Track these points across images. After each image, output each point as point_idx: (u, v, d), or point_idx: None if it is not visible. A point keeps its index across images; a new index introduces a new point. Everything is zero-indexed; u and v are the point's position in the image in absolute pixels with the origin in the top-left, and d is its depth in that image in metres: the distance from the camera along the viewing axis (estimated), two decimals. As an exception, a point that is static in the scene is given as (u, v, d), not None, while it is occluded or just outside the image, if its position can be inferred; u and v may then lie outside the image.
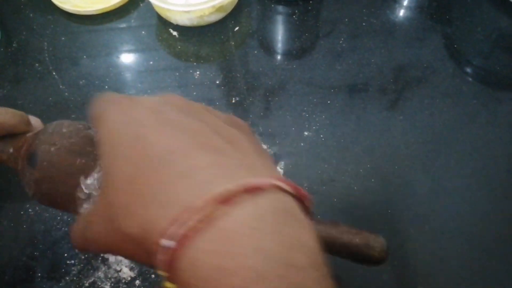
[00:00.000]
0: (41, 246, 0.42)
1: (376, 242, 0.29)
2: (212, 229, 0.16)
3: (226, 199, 0.16)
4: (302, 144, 0.47)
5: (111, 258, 0.41)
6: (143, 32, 0.57)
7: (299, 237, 0.17)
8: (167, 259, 0.16)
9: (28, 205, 0.44)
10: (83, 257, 0.41)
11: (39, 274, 0.40)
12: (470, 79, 0.52)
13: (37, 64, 0.55)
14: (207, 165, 0.18)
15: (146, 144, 0.18)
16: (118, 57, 0.56)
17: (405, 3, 0.59)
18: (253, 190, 0.17)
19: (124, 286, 0.40)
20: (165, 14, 0.55)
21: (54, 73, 0.54)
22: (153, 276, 0.40)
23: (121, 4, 0.59)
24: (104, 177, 0.20)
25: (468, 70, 0.53)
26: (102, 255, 0.41)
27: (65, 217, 0.43)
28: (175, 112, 0.20)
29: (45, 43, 0.57)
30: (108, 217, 0.19)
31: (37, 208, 0.44)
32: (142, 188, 0.18)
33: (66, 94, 0.52)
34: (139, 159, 0.18)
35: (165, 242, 0.16)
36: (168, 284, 0.17)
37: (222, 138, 0.19)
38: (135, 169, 0.18)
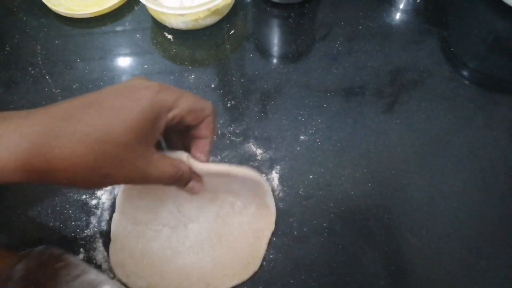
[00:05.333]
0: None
1: None
2: None
3: None
4: (298, 148, 0.47)
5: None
6: (137, 36, 0.57)
7: None
8: None
9: (19, 211, 0.43)
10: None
11: (31, 282, 0.40)
12: (467, 82, 0.52)
13: (30, 68, 0.54)
14: None
15: None
16: (112, 61, 0.55)
17: (401, 6, 0.59)
18: None
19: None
20: (159, 17, 0.55)
21: (47, 77, 0.53)
22: None
23: (116, 7, 0.59)
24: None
25: (465, 73, 0.53)
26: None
27: (57, 223, 0.42)
28: None
29: (38, 47, 0.56)
30: None
31: (28, 213, 0.43)
32: None
33: (60, 98, 0.51)
34: None
35: None
36: None
37: None
38: None
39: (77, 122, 0.27)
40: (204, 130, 0.34)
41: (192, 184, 0.35)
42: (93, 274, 0.35)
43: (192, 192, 0.36)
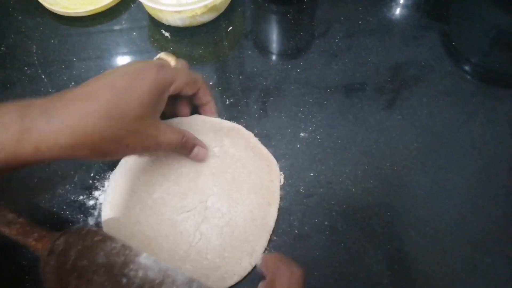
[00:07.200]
0: (29, 255, 0.40)
1: None
2: None
3: None
4: (298, 146, 0.46)
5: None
6: (134, 34, 0.56)
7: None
8: None
9: (16, 213, 0.42)
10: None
11: (27, 284, 0.39)
12: (469, 77, 0.51)
13: (26, 68, 0.54)
14: None
15: None
16: (109, 60, 0.54)
17: (402, 0, 0.58)
18: None
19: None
20: (156, 15, 0.54)
21: (43, 77, 0.53)
22: None
23: (112, 5, 0.58)
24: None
25: (467, 68, 0.52)
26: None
27: (54, 224, 0.42)
28: None
29: (34, 46, 0.56)
30: None
31: (25, 215, 0.42)
32: None
33: (56, 97, 0.51)
34: None
35: None
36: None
37: None
38: None
39: (97, 103, 0.32)
40: (204, 96, 0.43)
41: (197, 150, 0.41)
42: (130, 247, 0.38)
43: (198, 158, 0.42)
